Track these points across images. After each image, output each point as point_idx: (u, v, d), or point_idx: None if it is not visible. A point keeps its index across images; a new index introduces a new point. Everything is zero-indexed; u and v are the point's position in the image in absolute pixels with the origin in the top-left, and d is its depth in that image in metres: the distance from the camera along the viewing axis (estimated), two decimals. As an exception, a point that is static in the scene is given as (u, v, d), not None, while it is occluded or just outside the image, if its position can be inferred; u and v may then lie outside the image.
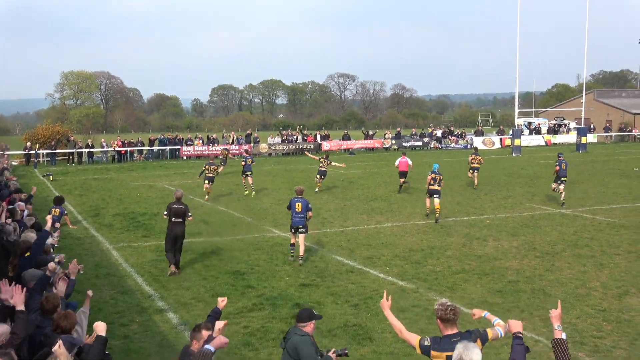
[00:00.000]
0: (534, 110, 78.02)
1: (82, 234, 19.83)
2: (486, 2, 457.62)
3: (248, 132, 57.55)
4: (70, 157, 47.01)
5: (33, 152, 45.26)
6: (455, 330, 5.98)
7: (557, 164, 24.40)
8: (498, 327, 6.21)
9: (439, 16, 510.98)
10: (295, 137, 55.02)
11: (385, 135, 59.37)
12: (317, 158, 30.18)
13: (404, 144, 56.16)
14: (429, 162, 24.49)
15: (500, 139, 59.33)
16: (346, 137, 57.24)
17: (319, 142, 54.01)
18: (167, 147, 50.24)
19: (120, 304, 12.60)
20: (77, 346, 6.22)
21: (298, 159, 48.05)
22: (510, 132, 56.87)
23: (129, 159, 48.74)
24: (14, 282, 6.99)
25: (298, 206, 15.58)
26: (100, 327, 6.19)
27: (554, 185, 24.69)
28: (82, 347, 6.30)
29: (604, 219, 21.18)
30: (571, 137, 59.92)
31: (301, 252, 15.53)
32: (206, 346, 5.79)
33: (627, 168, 37.55)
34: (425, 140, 57.75)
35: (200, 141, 51.70)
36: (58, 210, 18.86)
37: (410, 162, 27.94)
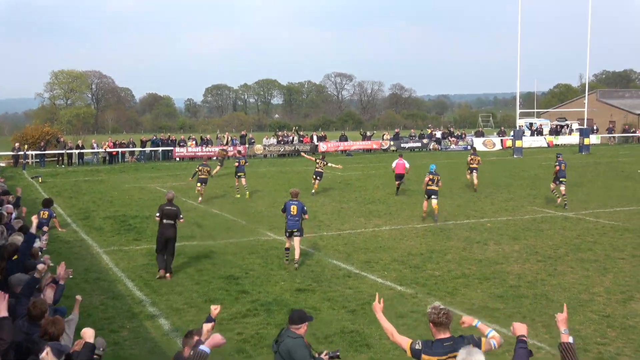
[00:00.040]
0: (535, 110, 78.23)
1: (72, 237, 19.76)
2: (486, 0, 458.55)
3: (243, 132, 57.57)
4: (60, 158, 46.91)
5: (22, 153, 45.12)
6: (447, 335, 6.00)
7: (557, 164, 24.47)
8: (493, 339, 6.17)
9: (438, 14, 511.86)
10: (291, 138, 55.02)
11: (383, 136, 59.42)
12: (314, 159, 30.13)
13: (402, 145, 56.20)
14: (428, 164, 24.45)
15: (501, 140, 59.44)
16: (343, 138, 57.27)
17: (316, 143, 54.01)
18: (160, 148, 50.19)
19: (110, 310, 12.55)
20: (65, 353, 6.16)
21: (294, 161, 48.02)
22: (512, 133, 57.01)
23: (120, 160, 48.67)
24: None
25: (293, 209, 15.56)
26: (88, 334, 6.13)
27: (552, 186, 24.76)
28: (70, 354, 6.24)
29: (607, 222, 21.18)
30: (574, 139, 60.02)
31: (297, 256, 15.50)
32: (201, 347, 5.62)
33: (631, 170, 37.61)
34: (425, 141, 57.81)
35: (194, 142, 51.64)
36: (47, 212, 18.80)
37: (407, 165, 27.94)
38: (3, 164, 44.19)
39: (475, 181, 29.22)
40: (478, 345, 6.05)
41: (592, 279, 14.38)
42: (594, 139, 59.74)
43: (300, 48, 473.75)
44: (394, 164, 28.09)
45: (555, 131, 64.00)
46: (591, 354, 10.12)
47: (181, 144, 51.13)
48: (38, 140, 47.47)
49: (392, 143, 56.18)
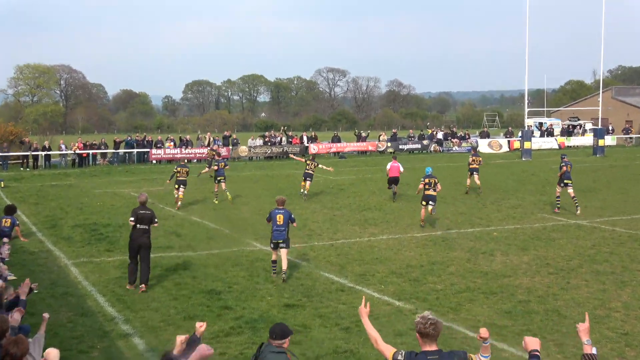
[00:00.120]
0: (545, 109, 78.54)
1: (37, 247, 19.62)
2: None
3: (226, 133, 57.47)
4: (25, 160, 46.74)
5: (-18, 155, 44.92)
6: (434, 347, 6.01)
7: (563, 164, 24.65)
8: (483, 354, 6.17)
9: (438, 5, 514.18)
10: (278, 138, 55.01)
11: (379, 136, 59.54)
12: (304, 160, 30.13)
13: (400, 146, 56.35)
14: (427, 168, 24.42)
15: (509, 141, 59.65)
16: (336, 139, 57.28)
17: (306, 144, 54.03)
18: (135, 150, 50.12)
19: (79, 328, 12.43)
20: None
21: (282, 164, 48.00)
22: (520, 134, 57.20)
23: (91, 163, 48.52)
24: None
25: (279, 218, 15.52)
26: (52, 355, 6.06)
27: (558, 190, 24.87)
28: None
29: (625, 230, 21.24)
30: (587, 140, 60.33)
31: (284, 267, 15.47)
32: None
33: (650, 174, 37.77)
34: (425, 142, 57.94)
35: (172, 143, 51.56)
36: (9, 220, 18.70)
37: (401, 168, 28.02)
38: (-39, 167, 43.97)
39: (478, 182, 29.46)
40: None
41: (608, 293, 14.39)
42: (609, 140, 60.09)
43: (289, 40, 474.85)
44: (388, 166, 28.26)
45: (567, 132, 64.28)
46: (608, 375, 10.10)
47: (158, 145, 51.02)
48: (0, 141, 47.24)
49: (389, 144, 56.28)
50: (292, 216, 15.75)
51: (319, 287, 15.04)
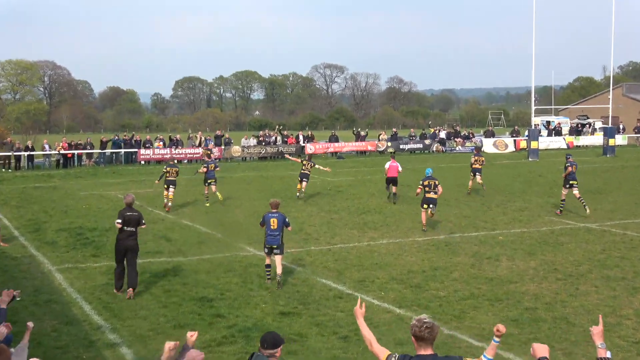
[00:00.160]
0: (553, 107, 78.70)
1: (19, 252, 19.60)
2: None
3: (218, 132, 57.43)
4: (6, 161, 46.60)
5: (-39, 155, 44.88)
6: (429, 352, 6.04)
7: (569, 165, 24.73)
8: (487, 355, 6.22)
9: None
10: (273, 138, 54.98)
11: (379, 136, 59.54)
12: (300, 160, 30.15)
13: (401, 146, 56.38)
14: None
15: (515, 140, 59.72)
16: (334, 139, 57.33)
17: (302, 144, 54.02)
18: (122, 150, 50.01)
19: (63, 337, 12.42)
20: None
21: (277, 165, 48.00)
22: (526, 133, 57.26)
23: (76, 163, 48.41)
24: None
25: (273, 222, 15.53)
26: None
27: (564, 192, 24.90)
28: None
29: (636, 234, 21.26)
30: (597, 139, 60.40)
31: (279, 271, 15.48)
32: None
33: (662, 175, 37.83)
34: (427, 142, 57.97)
35: (161, 143, 51.48)
36: (-10, 224, 18.65)
37: (400, 168, 28.06)
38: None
39: (480, 181, 29.66)
40: None
41: (619, 299, 14.40)
42: (619, 140, 60.17)
43: (284, 35, 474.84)
44: (386, 166, 28.26)
45: (576, 131, 64.33)
46: (619, 386, 10.12)
47: (147, 145, 50.96)
48: (-19, 141, 47.23)
49: (389, 144, 56.26)
50: (287, 220, 15.76)
51: (316, 294, 15.03)
